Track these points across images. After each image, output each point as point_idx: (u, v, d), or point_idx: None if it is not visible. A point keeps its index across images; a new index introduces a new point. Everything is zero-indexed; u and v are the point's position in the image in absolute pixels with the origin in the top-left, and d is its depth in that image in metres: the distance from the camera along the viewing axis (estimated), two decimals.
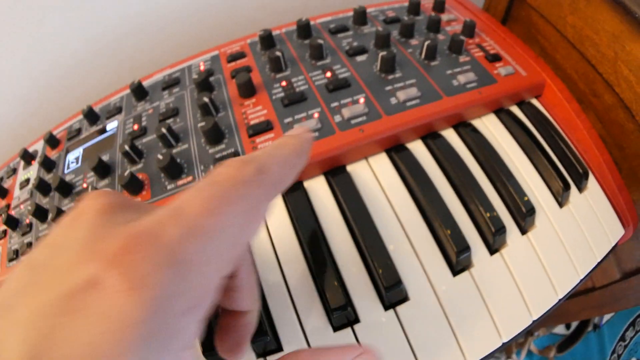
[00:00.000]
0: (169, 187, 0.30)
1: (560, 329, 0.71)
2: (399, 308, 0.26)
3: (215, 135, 0.30)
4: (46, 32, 0.43)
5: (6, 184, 0.42)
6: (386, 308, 0.26)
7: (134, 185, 0.30)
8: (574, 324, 0.69)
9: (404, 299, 0.26)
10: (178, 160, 0.31)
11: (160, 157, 0.30)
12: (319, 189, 0.29)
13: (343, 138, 0.28)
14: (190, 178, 0.30)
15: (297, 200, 0.29)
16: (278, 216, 0.29)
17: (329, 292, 0.25)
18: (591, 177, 0.34)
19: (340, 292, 0.25)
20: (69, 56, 0.46)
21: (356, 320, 0.25)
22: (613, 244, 0.33)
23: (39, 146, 0.43)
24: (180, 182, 0.30)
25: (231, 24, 0.47)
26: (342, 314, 0.25)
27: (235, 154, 0.29)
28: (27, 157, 0.41)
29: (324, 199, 0.29)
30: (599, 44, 0.38)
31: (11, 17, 0.41)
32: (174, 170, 0.30)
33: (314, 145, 0.28)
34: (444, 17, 0.40)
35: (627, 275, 0.42)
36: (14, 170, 0.43)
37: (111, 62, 0.48)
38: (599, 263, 0.32)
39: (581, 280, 0.31)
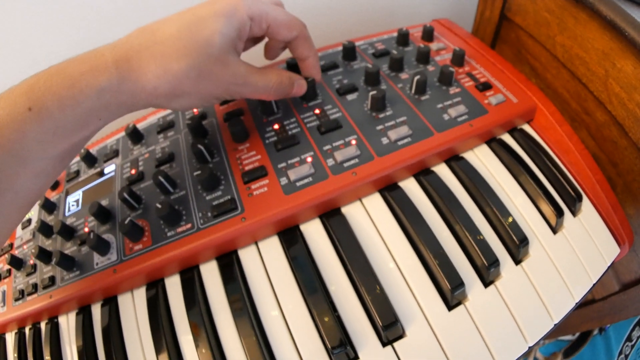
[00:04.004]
0: (169, 233, 0.34)
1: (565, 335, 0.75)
2: (397, 344, 0.29)
3: (211, 183, 0.34)
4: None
5: None
6: (384, 345, 0.29)
7: (134, 233, 0.34)
8: None
9: (401, 335, 0.29)
10: (176, 207, 0.34)
11: (159, 206, 0.33)
12: (315, 232, 0.33)
13: (337, 182, 0.32)
14: (189, 225, 0.33)
15: (294, 243, 0.32)
16: (276, 258, 0.32)
17: (327, 331, 0.28)
18: (585, 199, 0.38)
19: (338, 331, 0.28)
20: None
21: (356, 357, 0.29)
22: (608, 264, 0.37)
23: None
24: (179, 229, 0.33)
25: None
26: (342, 352, 0.28)
27: (232, 200, 0.33)
28: None
29: (320, 241, 0.33)
30: (589, 62, 0.41)
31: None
32: (173, 218, 0.33)
33: (308, 190, 0.32)
34: (433, 46, 0.43)
35: (626, 286, 0.45)
36: None
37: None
38: (595, 284, 0.35)
39: (577, 304, 0.34)
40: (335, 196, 0.32)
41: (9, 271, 0.42)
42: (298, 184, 0.32)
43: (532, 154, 0.38)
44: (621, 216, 0.38)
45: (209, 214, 0.33)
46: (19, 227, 0.45)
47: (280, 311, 0.30)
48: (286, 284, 0.31)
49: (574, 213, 0.37)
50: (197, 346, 0.30)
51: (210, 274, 0.33)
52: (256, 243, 0.33)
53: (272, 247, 0.33)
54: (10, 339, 0.41)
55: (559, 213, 0.35)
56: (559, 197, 0.37)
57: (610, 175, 0.42)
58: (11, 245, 0.45)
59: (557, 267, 0.34)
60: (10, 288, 0.40)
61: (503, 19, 0.48)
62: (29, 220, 0.45)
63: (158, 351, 0.31)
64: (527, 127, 0.40)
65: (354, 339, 0.29)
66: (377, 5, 0.52)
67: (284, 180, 0.33)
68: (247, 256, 0.33)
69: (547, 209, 0.35)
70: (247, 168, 0.34)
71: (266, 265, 0.32)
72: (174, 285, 0.34)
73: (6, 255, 0.44)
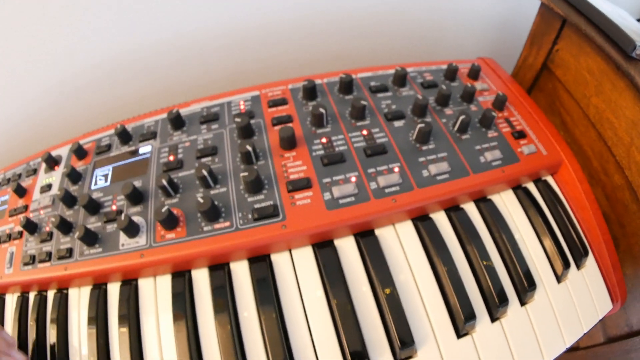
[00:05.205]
0: (205, 228, 0.36)
1: None
2: None
3: (256, 186, 0.36)
4: (83, 38, 0.47)
5: (24, 183, 0.47)
6: None
7: (170, 221, 0.36)
8: None
9: (412, 355, 0.33)
10: (216, 203, 0.36)
11: (200, 200, 0.35)
12: (348, 249, 0.36)
13: (377, 206, 0.35)
14: (227, 223, 0.35)
15: (328, 257, 0.35)
16: (308, 268, 0.35)
17: (350, 344, 0.32)
18: (590, 255, 0.42)
19: (360, 346, 0.31)
20: (101, 64, 0.50)
21: None
22: (600, 318, 0.41)
23: (62, 152, 0.47)
24: (217, 226, 0.35)
25: (270, 64, 0.52)
26: None
27: (274, 206, 0.35)
28: (51, 161, 0.46)
29: (352, 258, 0.36)
30: (617, 128, 0.45)
31: (50, 18, 0.45)
32: (213, 213, 0.35)
33: (350, 209, 0.35)
34: (478, 85, 0.46)
35: (610, 340, 0.50)
36: (34, 171, 0.47)
37: (145, 79, 0.52)
38: (585, 333, 0.40)
39: (567, 349, 0.38)
40: (373, 219, 0.35)
41: (21, 233, 0.42)
42: (341, 201, 0.35)
43: (551, 206, 0.42)
44: (619, 276, 0.43)
45: (250, 216, 0.35)
46: (37, 190, 0.46)
47: (305, 318, 0.33)
48: (314, 293, 0.34)
49: (578, 266, 0.41)
50: (220, 342, 0.32)
51: (241, 273, 0.35)
52: (290, 251, 0.36)
53: (306, 257, 0.35)
54: (11, 300, 0.41)
55: (566, 265, 0.39)
56: (568, 250, 0.41)
57: (616, 234, 0.47)
58: (26, 207, 0.45)
59: (556, 313, 0.38)
60: (20, 251, 0.41)
61: (544, 68, 0.52)
62: (49, 186, 0.45)
63: (178, 340, 0.32)
64: (550, 179, 0.44)
65: (370, 352, 0.32)
66: (426, 32, 0.54)
67: (327, 196, 0.35)
68: (280, 262, 0.35)
69: (556, 259, 0.39)
70: (292, 177, 0.37)
71: (297, 273, 0.35)
72: (201, 279, 0.36)
73: (20, 217, 0.44)
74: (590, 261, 0.42)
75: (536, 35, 0.52)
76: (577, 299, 0.40)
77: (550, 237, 0.40)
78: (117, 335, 0.34)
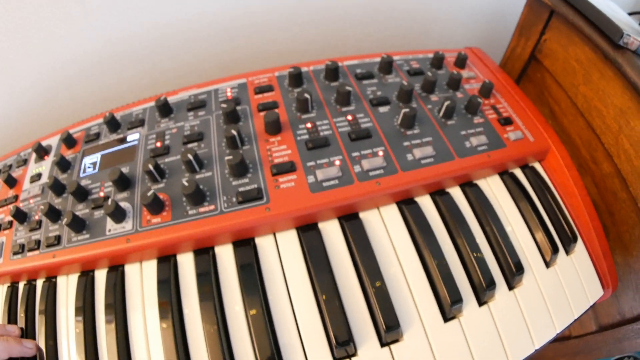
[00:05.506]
0: (190, 212, 0.36)
1: None
2: (394, 347, 0.33)
3: (240, 169, 0.36)
4: (75, 30, 0.48)
5: (15, 174, 0.47)
6: (382, 345, 0.33)
7: (155, 205, 0.36)
8: None
9: (399, 339, 0.33)
10: (201, 187, 0.36)
11: (185, 183, 0.35)
12: (332, 232, 0.36)
13: (361, 189, 0.35)
14: (212, 207, 0.36)
15: (312, 240, 0.35)
16: (292, 251, 0.35)
17: (335, 327, 0.31)
18: (579, 241, 0.42)
19: (345, 328, 0.31)
20: (90, 54, 0.51)
21: (355, 354, 0.32)
22: (591, 304, 0.41)
23: (52, 142, 0.48)
24: (202, 209, 0.36)
25: (257, 52, 0.53)
26: (344, 348, 0.31)
27: (259, 190, 0.35)
28: (41, 151, 0.46)
29: (336, 241, 0.36)
30: (605, 116, 0.46)
31: (37, 9, 0.46)
32: (198, 197, 0.36)
33: (334, 192, 0.35)
34: (464, 73, 0.47)
35: (602, 328, 0.50)
36: (25, 161, 0.48)
37: (134, 68, 0.53)
38: (576, 319, 0.40)
39: (557, 334, 0.38)
40: (357, 201, 0.35)
41: (11, 223, 0.43)
42: (325, 184, 0.35)
43: (539, 192, 0.42)
44: (610, 262, 0.43)
45: (234, 199, 0.35)
46: (27, 180, 0.46)
47: (289, 301, 0.33)
48: (299, 276, 0.34)
49: (567, 252, 0.41)
50: (204, 325, 0.32)
51: (226, 256, 0.36)
52: (274, 234, 0.36)
53: (290, 240, 0.36)
54: (1, 291, 0.42)
55: (554, 250, 0.39)
56: (557, 235, 0.41)
57: (606, 223, 0.47)
58: (16, 197, 0.45)
59: (545, 298, 0.38)
60: (10, 241, 0.41)
61: (532, 58, 0.53)
62: (39, 175, 0.45)
63: (163, 325, 0.33)
64: (537, 166, 0.45)
65: (355, 336, 0.32)
66: (415, 22, 0.55)
67: (311, 179, 0.36)
68: (265, 245, 0.36)
69: (544, 244, 0.39)
70: (276, 161, 0.37)
71: (282, 256, 0.35)
72: (186, 263, 0.36)
73: (10, 207, 0.45)
74: (579, 247, 0.42)
75: (524, 25, 0.53)
76: (566, 284, 0.40)
77: (538, 222, 0.40)
78: (104, 323, 0.34)
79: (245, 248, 0.35)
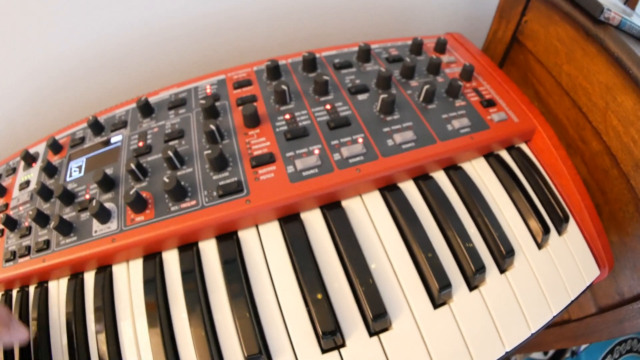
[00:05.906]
0: (172, 208, 0.36)
1: (538, 354, 0.79)
2: (383, 336, 0.32)
3: (219, 163, 0.36)
4: (54, 35, 0.48)
5: (5, 183, 0.48)
6: (371, 335, 0.32)
7: (138, 204, 0.36)
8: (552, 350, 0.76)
9: (388, 327, 0.32)
10: (183, 183, 0.36)
11: (166, 180, 0.35)
12: (315, 222, 0.36)
13: (341, 176, 0.35)
14: (194, 202, 0.36)
15: (294, 230, 0.35)
16: (275, 243, 0.35)
17: (320, 318, 0.31)
18: (571, 221, 0.41)
19: (330, 319, 0.31)
20: (75, 61, 0.52)
21: (343, 344, 0.31)
22: (588, 284, 0.40)
23: (40, 149, 0.48)
24: (183, 205, 0.36)
25: (237, 48, 0.53)
26: (331, 339, 0.31)
27: (239, 182, 0.35)
28: (29, 158, 0.47)
29: (319, 231, 0.35)
30: (591, 94, 0.45)
31: (21, 18, 0.46)
32: (179, 193, 0.36)
33: (313, 181, 0.35)
34: (444, 58, 0.46)
35: (602, 310, 0.49)
36: (14, 170, 0.48)
37: (117, 71, 0.54)
38: (573, 301, 0.39)
39: (554, 317, 0.37)
40: (338, 189, 0.35)
41: (2, 231, 0.43)
42: (304, 173, 0.35)
43: (526, 173, 0.42)
44: (604, 241, 0.42)
45: (215, 193, 0.35)
46: (17, 187, 0.46)
47: (274, 294, 0.33)
48: (283, 268, 0.34)
49: (559, 232, 0.40)
50: (190, 322, 0.32)
51: (209, 252, 0.35)
52: (257, 226, 0.36)
53: (273, 231, 0.35)
54: None
55: (546, 230, 0.39)
56: (547, 216, 0.40)
57: (598, 202, 0.46)
58: (6, 205, 0.45)
59: (539, 280, 0.37)
60: (2, 248, 0.41)
61: (514, 41, 0.52)
62: (28, 182, 0.46)
63: (150, 324, 0.32)
64: (524, 147, 0.44)
65: (343, 326, 0.32)
66: (395, 11, 0.55)
67: (290, 169, 0.35)
68: (247, 238, 0.35)
69: (535, 225, 0.39)
70: (255, 153, 0.37)
71: (265, 249, 0.35)
72: (171, 260, 0.36)
73: (0, 215, 0.45)
74: (572, 227, 0.41)
75: (504, 8, 0.53)
76: (560, 266, 0.39)
77: (526, 202, 0.39)
78: (94, 326, 0.34)
79: (228, 242, 0.35)
